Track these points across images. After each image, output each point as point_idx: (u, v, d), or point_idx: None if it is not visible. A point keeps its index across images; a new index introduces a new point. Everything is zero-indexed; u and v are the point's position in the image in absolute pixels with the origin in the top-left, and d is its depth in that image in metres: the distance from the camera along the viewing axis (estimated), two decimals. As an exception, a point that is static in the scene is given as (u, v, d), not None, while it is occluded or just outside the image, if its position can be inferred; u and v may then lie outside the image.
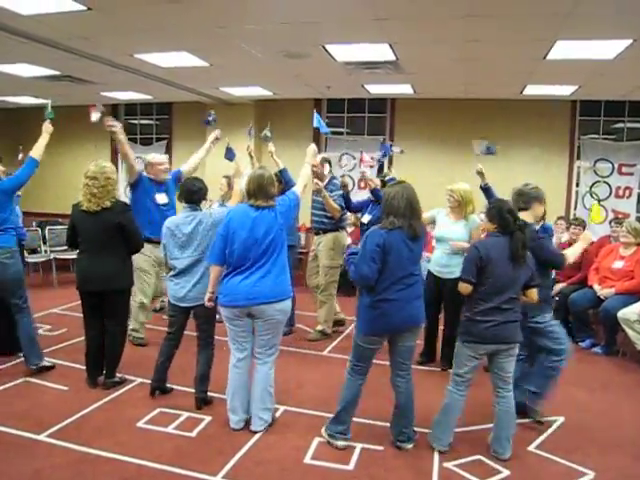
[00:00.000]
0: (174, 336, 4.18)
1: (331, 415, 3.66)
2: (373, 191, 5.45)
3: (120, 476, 3.12)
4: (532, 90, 7.14)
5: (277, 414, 3.95)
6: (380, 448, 3.57)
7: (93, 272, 4.18)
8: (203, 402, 4.05)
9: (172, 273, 4.09)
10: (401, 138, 8.69)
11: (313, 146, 4.23)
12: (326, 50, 5.56)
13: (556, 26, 4.58)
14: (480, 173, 4.94)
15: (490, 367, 3.53)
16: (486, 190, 4.92)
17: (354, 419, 3.65)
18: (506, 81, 6.77)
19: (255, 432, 3.70)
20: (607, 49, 5.12)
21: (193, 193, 4.06)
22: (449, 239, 4.86)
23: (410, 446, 3.57)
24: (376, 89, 7.72)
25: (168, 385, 4.27)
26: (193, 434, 3.67)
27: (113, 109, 9.93)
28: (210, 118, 6.13)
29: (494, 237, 3.47)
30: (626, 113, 8.09)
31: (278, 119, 9.11)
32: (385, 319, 3.38)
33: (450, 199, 4.97)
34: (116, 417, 3.86)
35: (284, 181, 5.33)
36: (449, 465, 3.40)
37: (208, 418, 3.90)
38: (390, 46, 5.37)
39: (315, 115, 5.24)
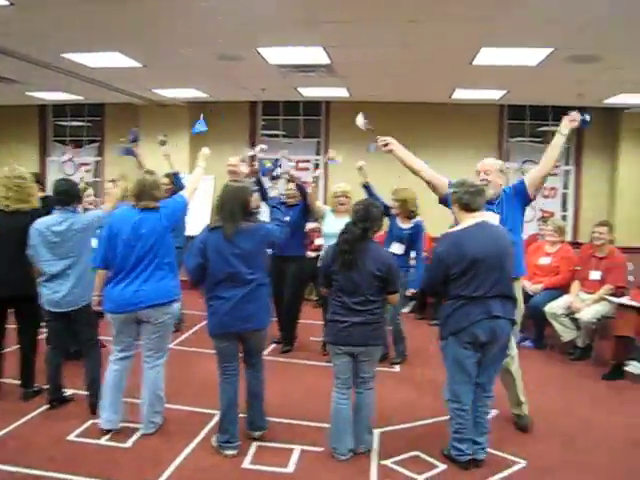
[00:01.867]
0: (55, 344, 4.04)
1: (276, 419, 3.69)
2: (299, 187, 5.41)
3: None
4: (461, 94, 7.37)
5: (214, 419, 3.90)
6: (319, 449, 3.58)
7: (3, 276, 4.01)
8: (97, 407, 3.89)
9: (44, 278, 3.90)
10: (336, 141, 8.76)
11: (205, 150, 4.23)
12: (259, 53, 5.55)
13: (481, 33, 4.75)
14: (360, 169, 5.20)
15: (355, 366, 3.54)
16: (366, 188, 5.18)
17: (292, 421, 3.67)
18: (436, 85, 6.95)
19: (146, 434, 3.67)
20: (530, 56, 5.34)
21: (59, 194, 3.94)
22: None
23: (258, 433, 3.63)
24: (310, 92, 7.78)
25: (67, 395, 4.14)
26: (128, 444, 3.58)
27: (40, 110, 9.59)
28: (131, 137, 5.34)
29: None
30: (550, 117, 8.47)
31: (213, 121, 9.01)
32: (217, 318, 3.44)
33: (341, 199, 5.13)
34: (45, 432, 3.71)
35: (176, 185, 5.31)
36: (387, 462, 3.45)
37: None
38: (324, 49, 5.42)
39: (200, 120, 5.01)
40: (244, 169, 5.15)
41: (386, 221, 5.55)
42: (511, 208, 3.74)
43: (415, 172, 3.96)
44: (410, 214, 5.20)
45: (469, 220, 3.34)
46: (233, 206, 3.43)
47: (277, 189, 4.25)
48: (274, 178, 4.52)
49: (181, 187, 4.96)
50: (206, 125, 4.82)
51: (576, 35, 4.62)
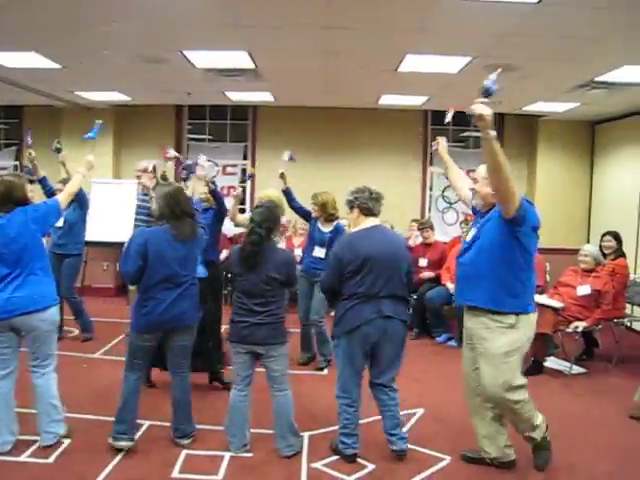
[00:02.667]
0: None
1: (205, 426, 3.66)
2: (213, 193, 5.31)
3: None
4: (387, 100, 7.52)
5: (142, 429, 3.81)
6: (249, 455, 3.57)
7: None
8: None
9: None
10: (264, 146, 8.78)
11: (90, 157, 4.14)
12: (184, 56, 5.47)
13: (406, 41, 4.87)
14: (282, 176, 5.37)
15: (263, 366, 3.63)
16: (286, 193, 5.37)
17: (218, 427, 3.64)
18: (362, 91, 7.07)
19: (46, 447, 3.54)
20: (451, 64, 5.53)
21: None
22: None
23: (186, 442, 3.64)
24: (237, 96, 7.72)
25: None
26: (50, 460, 3.43)
27: (-49, 112, 9.08)
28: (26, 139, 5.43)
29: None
30: (472, 123, 8.75)
31: (138, 125, 8.85)
32: (151, 317, 3.48)
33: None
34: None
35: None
36: (317, 465, 3.48)
37: (67, 441, 3.66)
38: (249, 54, 5.40)
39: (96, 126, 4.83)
40: (147, 181, 5.02)
41: (307, 226, 5.68)
42: (496, 232, 3.20)
43: (451, 181, 4.08)
44: (330, 217, 5.26)
45: (366, 223, 3.55)
46: (182, 207, 3.53)
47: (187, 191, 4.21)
48: (184, 180, 4.58)
49: (79, 194, 4.89)
50: (98, 133, 4.69)
51: (494, 45, 4.81)
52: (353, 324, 3.40)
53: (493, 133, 2.85)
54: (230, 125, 9.04)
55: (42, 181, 5.48)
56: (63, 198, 3.81)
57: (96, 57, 5.54)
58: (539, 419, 3.43)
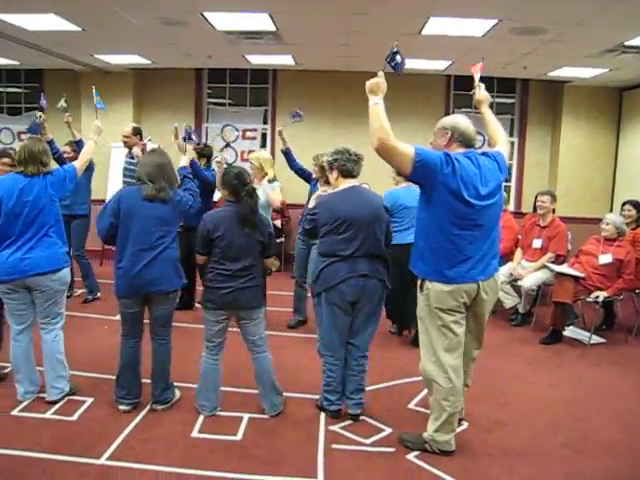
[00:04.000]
0: None
1: (224, 388, 3.70)
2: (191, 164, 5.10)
3: (-7, 468, 2.94)
4: (409, 64, 7.35)
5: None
6: (267, 417, 3.63)
7: None
8: None
9: None
10: (283, 110, 8.68)
11: (97, 122, 4.18)
12: (205, 18, 5.40)
13: (430, 2, 4.75)
14: (280, 134, 5.31)
15: (241, 331, 3.65)
16: (286, 154, 5.37)
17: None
18: (384, 54, 6.91)
19: (52, 402, 3.68)
20: (476, 27, 5.39)
21: None
22: None
23: (160, 407, 3.68)
24: (257, 60, 7.62)
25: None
26: (74, 418, 3.53)
27: (-27, 75, 9.11)
28: (42, 103, 5.53)
29: (226, 205, 3.58)
30: (495, 89, 8.59)
31: (158, 89, 8.82)
32: (125, 279, 3.50)
33: (251, 165, 5.10)
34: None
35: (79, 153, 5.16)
36: (335, 428, 3.52)
37: (90, 400, 3.77)
38: (270, 16, 5.31)
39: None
40: (138, 152, 5.07)
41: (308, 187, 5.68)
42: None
43: (490, 136, 3.65)
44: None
45: (344, 184, 3.57)
46: (153, 171, 3.52)
47: (186, 159, 4.20)
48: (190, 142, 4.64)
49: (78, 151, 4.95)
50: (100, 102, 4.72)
51: (520, 7, 4.68)
52: (329, 283, 3.45)
53: (380, 101, 3.05)
54: (250, 89, 8.96)
55: (50, 144, 5.47)
56: (79, 165, 3.90)
57: (116, 19, 5.48)
58: (442, 431, 3.20)
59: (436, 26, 5.41)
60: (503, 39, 5.70)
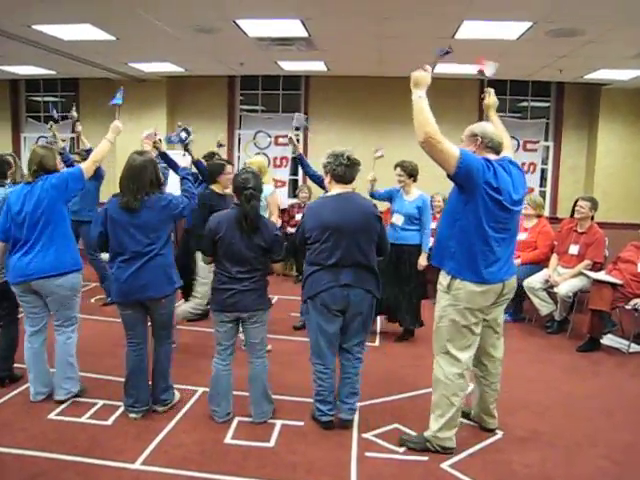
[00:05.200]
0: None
1: (246, 394, 3.69)
2: (195, 163, 5.29)
3: (29, 472, 2.97)
4: (442, 69, 7.32)
5: (196, 395, 3.91)
6: (300, 423, 3.61)
7: None
8: (7, 380, 4.02)
9: None
10: (316, 116, 8.70)
11: (117, 122, 4.12)
12: (237, 25, 5.44)
13: (463, 6, 4.70)
14: (291, 141, 5.23)
15: (243, 332, 3.65)
16: (299, 159, 5.28)
17: (275, 396, 3.68)
18: (417, 59, 6.84)
19: (60, 402, 3.74)
20: (510, 30, 5.32)
21: None
22: None
23: (160, 409, 3.69)
24: (289, 66, 7.66)
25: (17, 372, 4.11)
26: (109, 422, 3.57)
27: (12, 85, 9.35)
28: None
29: (233, 208, 3.56)
30: (530, 92, 8.48)
31: (191, 96, 8.93)
32: (118, 285, 3.53)
33: None
34: (25, 411, 3.67)
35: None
36: (368, 435, 3.49)
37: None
38: (302, 22, 5.33)
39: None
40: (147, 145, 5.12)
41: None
42: (453, 192, 3.26)
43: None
44: None
45: (334, 190, 3.50)
46: (133, 177, 3.48)
47: (188, 159, 4.21)
48: (186, 148, 4.64)
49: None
50: (122, 98, 4.70)
51: (556, 8, 4.59)
52: (313, 291, 3.43)
53: (424, 95, 2.99)
54: (282, 95, 9.00)
55: (61, 154, 5.58)
56: (87, 165, 3.87)
57: (150, 28, 5.57)
58: (446, 429, 3.24)
59: (470, 30, 5.35)
60: (538, 42, 5.61)
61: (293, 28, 5.53)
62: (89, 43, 6.22)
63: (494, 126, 3.51)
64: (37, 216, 3.62)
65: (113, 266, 3.55)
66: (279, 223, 5.90)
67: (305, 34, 5.74)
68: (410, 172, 5.11)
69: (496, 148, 3.19)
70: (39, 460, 3.09)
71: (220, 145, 6.49)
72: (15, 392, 3.92)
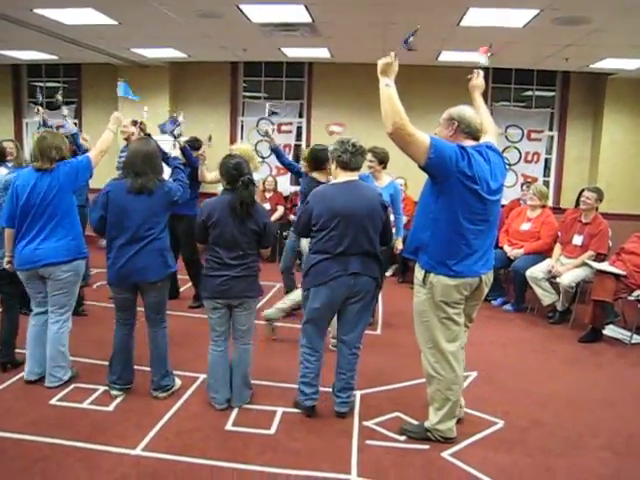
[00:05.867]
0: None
1: (259, 382, 3.74)
2: (182, 150, 5.30)
3: (31, 457, 2.97)
4: (446, 57, 7.27)
5: (197, 382, 3.91)
6: (300, 412, 3.60)
7: None
8: (8, 365, 4.04)
9: None
10: (319, 103, 8.68)
11: (117, 114, 4.17)
12: (240, 10, 5.39)
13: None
14: (266, 133, 5.35)
15: (232, 319, 3.64)
16: (275, 151, 5.40)
17: (273, 384, 3.71)
18: (422, 47, 6.82)
19: (49, 388, 3.76)
20: (517, 18, 5.27)
21: None
22: None
23: (161, 395, 3.69)
24: (293, 52, 7.61)
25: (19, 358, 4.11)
26: (110, 408, 3.57)
27: (14, 70, 9.30)
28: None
29: (223, 193, 3.57)
30: (535, 82, 8.41)
31: (194, 83, 8.87)
32: (114, 269, 3.56)
33: None
34: (26, 397, 3.68)
35: (75, 145, 5.45)
36: (369, 424, 3.49)
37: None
38: (306, 7, 5.28)
39: (121, 85, 4.97)
40: (134, 129, 5.11)
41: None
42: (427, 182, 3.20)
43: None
44: None
45: (341, 178, 3.46)
46: (149, 161, 3.53)
47: (177, 149, 4.18)
48: (175, 137, 4.59)
49: (79, 146, 5.03)
50: (129, 93, 4.77)
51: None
52: (319, 280, 3.38)
53: (392, 83, 2.92)
54: (286, 82, 8.94)
55: (73, 136, 5.60)
56: (94, 155, 3.92)
57: (152, 13, 5.52)
58: (445, 420, 3.23)
59: (475, 17, 5.31)
60: (544, 30, 5.56)
61: (297, 13, 5.48)
62: (91, 28, 6.17)
63: (477, 109, 3.44)
64: (47, 203, 3.65)
65: (111, 250, 3.56)
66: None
67: (309, 20, 5.69)
68: (381, 158, 5.10)
69: (474, 134, 3.08)
70: (40, 445, 3.09)
71: (210, 139, 6.37)
72: (16, 377, 3.92)
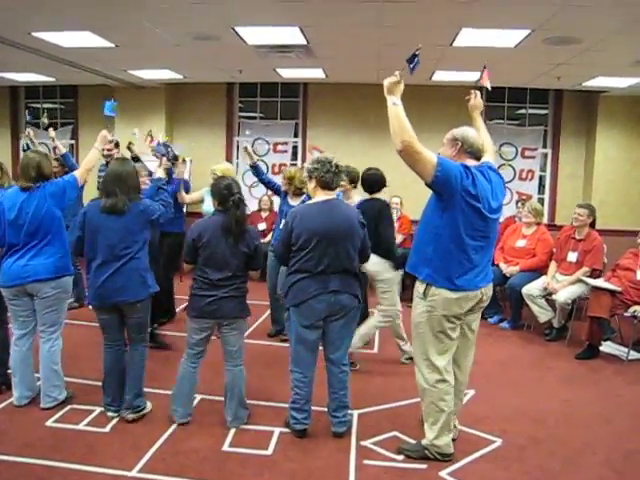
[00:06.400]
0: None
1: (251, 401, 3.70)
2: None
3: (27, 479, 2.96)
4: (440, 76, 7.35)
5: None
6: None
7: None
8: (3, 386, 4.01)
9: None
10: (315, 123, 8.73)
11: (104, 132, 4.24)
12: (236, 32, 5.46)
13: (462, 13, 4.71)
14: (245, 150, 5.45)
15: (221, 341, 3.66)
16: (255, 168, 5.50)
17: (269, 404, 3.72)
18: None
19: (45, 409, 3.74)
20: (509, 38, 5.34)
21: None
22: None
23: (130, 415, 3.65)
24: (288, 73, 7.67)
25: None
26: (107, 429, 3.55)
27: (12, 92, 9.37)
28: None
29: (216, 214, 3.59)
30: (528, 100, 8.50)
31: (190, 104, 8.94)
32: (93, 290, 3.58)
33: (213, 176, 5.01)
34: (22, 419, 3.66)
35: (67, 165, 5.53)
36: (366, 443, 3.48)
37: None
38: (300, 29, 5.34)
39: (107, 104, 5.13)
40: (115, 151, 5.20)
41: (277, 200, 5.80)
42: (431, 199, 3.27)
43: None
44: (298, 191, 5.27)
45: (320, 197, 3.49)
46: (120, 181, 3.55)
47: (161, 171, 4.21)
48: (169, 160, 4.62)
49: (72, 167, 5.00)
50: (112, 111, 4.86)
51: (554, 16, 4.60)
52: (300, 299, 3.40)
53: (399, 102, 2.97)
54: (281, 102, 9.01)
55: (64, 157, 5.67)
56: (80, 173, 3.96)
57: (148, 35, 5.58)
58: (442, 435, 3.24)
59: (468, 37, 5.37)
60: (536, 49, 5.63)
61: (292, 35, 5.54)
62: (88, 50, 6.22)
63: (477, 128, 3.53)
64: (36, 223, 3.67)
65: (89, 270, 3.58)
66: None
67: (304, 41, 5.75)
68: (352, 178, 5.15)
69: (476, 154, 3.18)
70: (36, 467, 3.07)
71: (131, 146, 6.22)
72: (11, 399, 3.88)
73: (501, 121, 8.66)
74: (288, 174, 5.30)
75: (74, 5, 4.67)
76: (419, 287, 3.20)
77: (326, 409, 3.63)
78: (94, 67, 7.22)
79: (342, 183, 5.06)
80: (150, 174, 4.54)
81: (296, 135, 9.01)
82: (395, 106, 2.97)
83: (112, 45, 6.03)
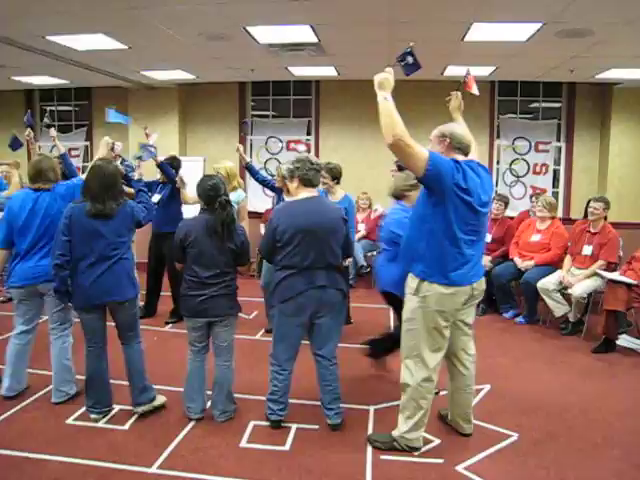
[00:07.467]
0: None
1: (261, 398, 3.75)
2: (159, 166, 5.62)
3: (48, 477, 3.02)
4: (452, 71, 7.32)
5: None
6: (315, 427, 3.63)
7: None
8: None
9: None
10: (327, 120, 8.75)
11: (107, 138, 4.29)
12: (248, 32, 5.49)
13: (472, 8, 4.70)
14: (238, 151, 5.61)
15: (212, 336, 3.70)
16: (249, 169, 5.62)
17: (289, 400, 3.70)
18: (428, 62, 6.86)
19: (56, 403, 3.85)
20: (520, 32, 5.31)
21: None
22: None
23: (139, 409, 3.70)
24: (300, 71, 7.70)
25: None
26: (126, 427, 3.60)
27: (27, 95, 9.47)
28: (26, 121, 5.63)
29: (201, 213, 3.62)
30: (541, 93, 8.45)
31: (202, 103, 8.99)
32: (80, 290, 3.55)
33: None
34: (43, 417, 3.72)
35: (65, 165, 5.30)
36: (382, 439, 3.49)
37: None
38: (312, 28, 5.36)
39: (110, 112, 5.15)
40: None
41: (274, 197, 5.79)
42: (422, 194, 3.27)
43: None
44: None
45: (303, 194, 3.55)
46: (107, 185, 3.53)
47: (141, 173, 4.24)
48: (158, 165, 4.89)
49: (70, 167, 5.01)
50: (119, 117, 5.05)
51: (566, 9, 4.58)
52: (287, 295, 3.45)
53: (389, 97, 3.01)
54: (293, 101, 9.03)
55: (62, 157, 5.63)
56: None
57: (161, 36, 5.62)
58: (414, 429, 3.29)
59: (479, 32, 5.35)
60: (548, 43, 5.60)
61: (303, 34, 5.56)
62: (102, 52, 6.29)
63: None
64: (46, 224, 3.78)
65: (76, 273, 3.52)
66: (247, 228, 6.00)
67: (315, 39, 5.77)
68: (334, 175, 5.23)
69: (464, 150, 3.21)
70: (57, 465, 3.13)
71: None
72: (33, 398, 3.97)
73: (514, 115, 8.61)
74: (282, 172, 5.31)
75: (88, 8, 4.72)
76: (411, 283, 3.22)
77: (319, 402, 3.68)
78: (108, 69, 7.30)
79: (324, 180, 5.14)
80: (127, 177, 4.62)
81: (309, 133, 9.03)
82: (386, 101, 2.99)
83: (125, 47, 6.08)
